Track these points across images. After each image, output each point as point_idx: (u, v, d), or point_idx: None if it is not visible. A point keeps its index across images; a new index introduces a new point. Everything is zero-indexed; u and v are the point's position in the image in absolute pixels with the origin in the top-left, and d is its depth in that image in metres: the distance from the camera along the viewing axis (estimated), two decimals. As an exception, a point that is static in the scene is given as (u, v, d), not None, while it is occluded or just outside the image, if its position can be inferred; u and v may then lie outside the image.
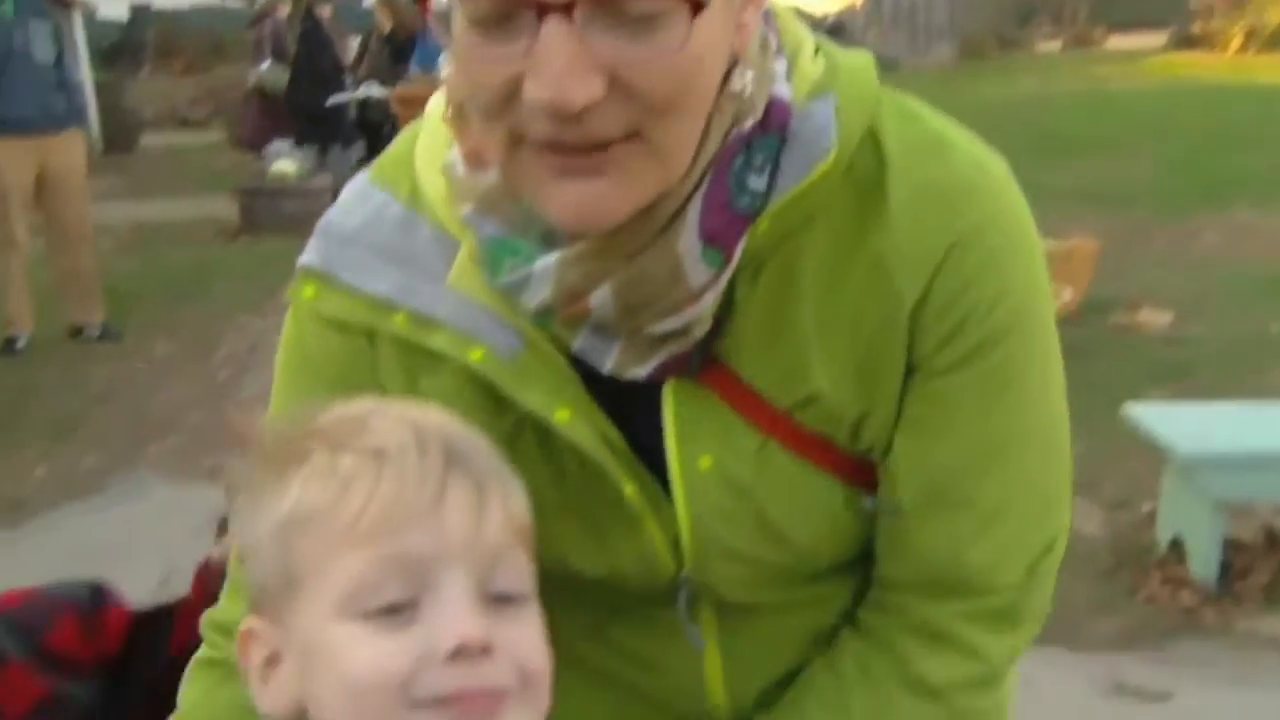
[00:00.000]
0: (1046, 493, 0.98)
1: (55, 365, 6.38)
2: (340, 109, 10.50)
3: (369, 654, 0.79)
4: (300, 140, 10.56)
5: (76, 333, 6.77)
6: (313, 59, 10.58)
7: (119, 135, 14.18)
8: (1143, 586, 3.69)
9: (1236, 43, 20.05)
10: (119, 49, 19.73)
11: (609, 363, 0.91)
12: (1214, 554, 3.60)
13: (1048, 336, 0.98)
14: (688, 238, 0.87)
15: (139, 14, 21.09)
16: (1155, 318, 6.39)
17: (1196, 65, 19.07)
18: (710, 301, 0.89)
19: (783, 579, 0.99)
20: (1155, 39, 23.38)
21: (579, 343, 0.92)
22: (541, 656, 0.83)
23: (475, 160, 0.92)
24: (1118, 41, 24.84)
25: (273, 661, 0.85)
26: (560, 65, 0.78)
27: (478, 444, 0.87)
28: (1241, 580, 3.62)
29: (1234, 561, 3.66)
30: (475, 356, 0.94)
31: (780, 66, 0.93)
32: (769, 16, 0.94)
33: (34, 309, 6.69)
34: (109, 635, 1.13)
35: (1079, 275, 6.48)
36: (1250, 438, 3.67)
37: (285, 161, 10.16)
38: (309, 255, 1.03)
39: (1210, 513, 3.57)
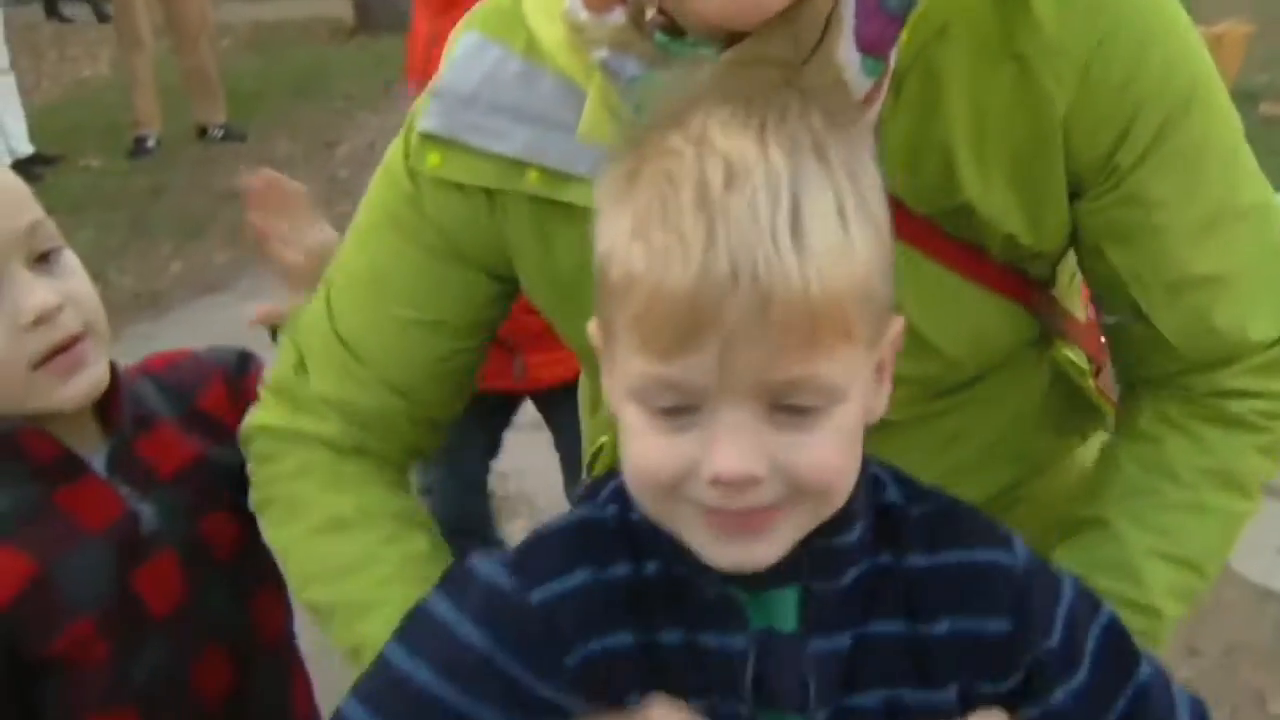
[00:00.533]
0: (1265, 239, 0.99)
1: (184, 165, 6.57)
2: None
3: (645, 447, 0.81)
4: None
5: (202, 132, 6.92)
6: None
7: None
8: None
9: None
10: None
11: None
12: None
13: (1219, 97, 0.97)
14: (846, 48, 0.87)
15: None
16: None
17: None
18: (875, 112, 0.90)
19: (924, 392, 1.02)
20: None
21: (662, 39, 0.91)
22: (826, 471, 0.80)
23: (597, 2, 0.92)
24: None
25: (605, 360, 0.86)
26: None
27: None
28: None
29: None
30: None
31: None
32: None
33: (161, 109, 6.83)
34: (254, 401, 1.16)
35: (1229, 62, 6.13)
36: None
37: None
38: (429, 120, 1.03)
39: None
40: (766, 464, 0.77)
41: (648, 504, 0.84)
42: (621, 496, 0.89)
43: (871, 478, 0.90)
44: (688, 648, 0.87)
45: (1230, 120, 0.98)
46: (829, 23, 0.87)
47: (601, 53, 0.92)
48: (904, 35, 0.89)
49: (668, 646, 0.87)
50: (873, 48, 0.87)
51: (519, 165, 1.00)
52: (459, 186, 1.03)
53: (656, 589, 0.88)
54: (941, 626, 0.87)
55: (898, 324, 0.85)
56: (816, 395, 0.77)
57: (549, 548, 0.91)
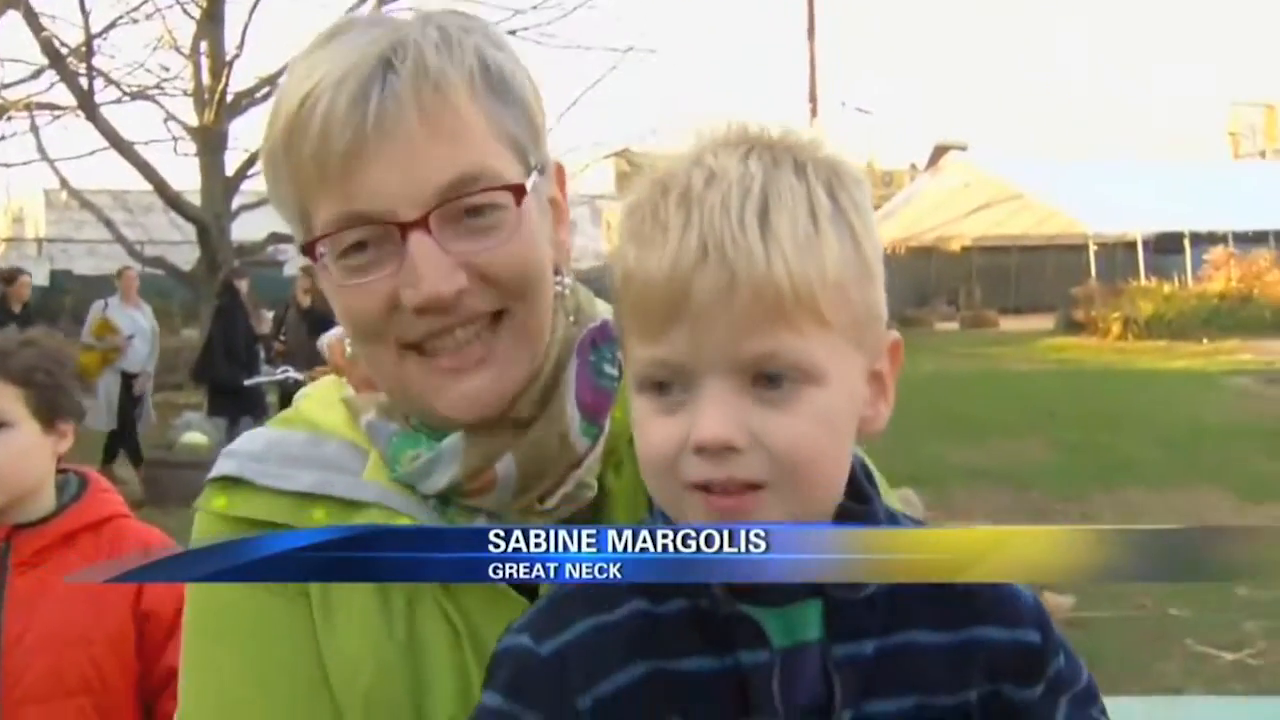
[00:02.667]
0: None
1: None
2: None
3: (648, 431, 0.90)
4: (212, 412, 10.45)
5: None
6: (227, 332, 10.40)
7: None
8: None
9: (1116, 329, 22.14)
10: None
11: None
12: None
13: None
14: (570, 407, 1.07)
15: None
16: (1057, 601, 6.37)
17: (1082, 349, 20.77)
18: (592, 464, 1.08)
19: None
20: (1044, 321, 25.45)
21: (483, 522, 1.06)
22: (801, 448, 0.87)
23: (367, 386, 1.12)
24: (1010, 323, 26.80)
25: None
26: (429, 268, 1.00)
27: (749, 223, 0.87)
28: None
29: None
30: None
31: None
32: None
33: None
34: None
35: None
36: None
37: (195, 433, 10.02)
38: (221, 467, 1.12)
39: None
40: (745, 434, 0.85)
41: (657, 492, 0.92)
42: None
43: (887, 509, 0.97)
44: (714, 673, 0.90)
45: None
46: (550, 391, 1.07)
47: (369, 417, 1.10)
48: (619, 413, 1.07)
49: (691, 674, 0.91)
50: (588, 410, 1.08)
51: (306, 500, 1.08)
52: (250, 525, 1.07)
53: (676, 621, 0.91)
54: (990, 633, 0.95)
55: (894, 337, 0.95)
56: (788, 369, 0.86)
57: (563, 601, 0.95)
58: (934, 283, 31.46)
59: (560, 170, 1.14)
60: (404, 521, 1.06)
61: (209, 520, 1.12)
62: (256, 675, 1.08)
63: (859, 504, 0.95)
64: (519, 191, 1.04)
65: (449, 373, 1.04)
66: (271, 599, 1.08)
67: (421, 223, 1.00)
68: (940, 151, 33.40)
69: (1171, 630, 6.08)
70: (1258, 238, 26.04)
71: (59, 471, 2.21)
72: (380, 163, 1.00)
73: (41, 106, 15.26)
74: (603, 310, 1.15)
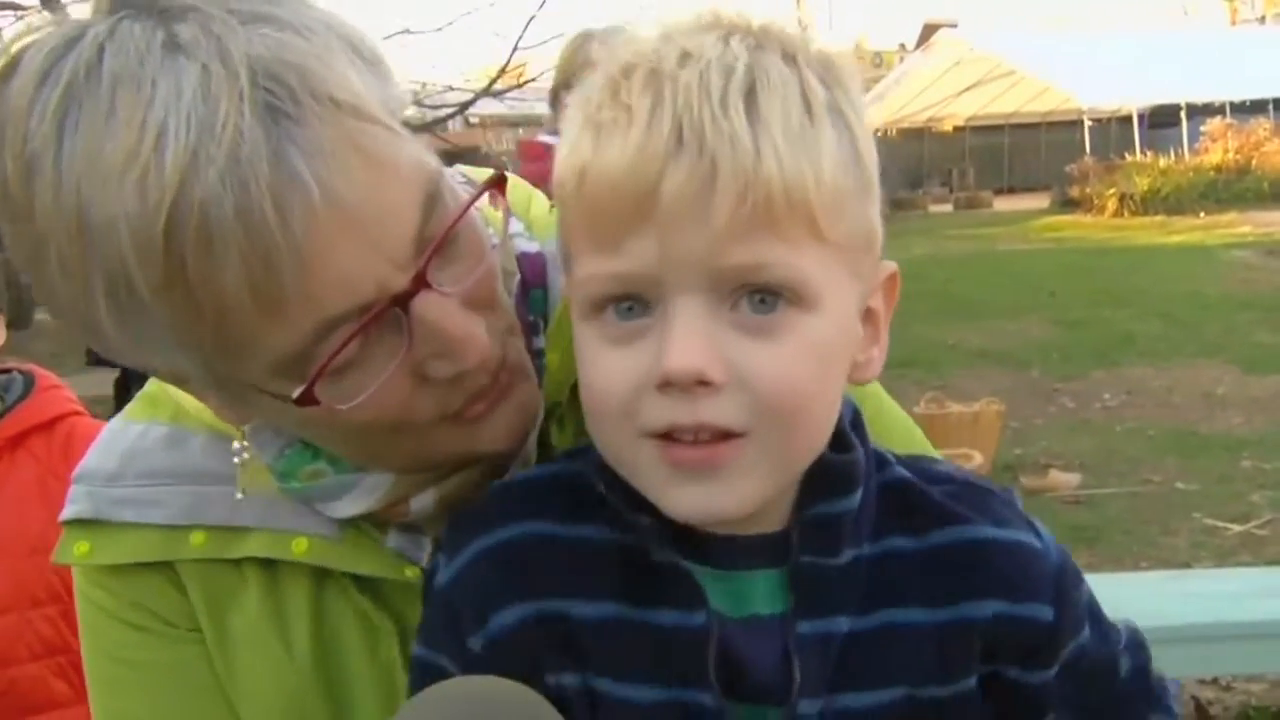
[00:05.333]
0: None
1: None
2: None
3: (598, 367, 0.75)
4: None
5: None
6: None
7: None
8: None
9: (1112, 206, 21.70)
10: None
11: (425, 557, 0.94)
12: (1145, 730, 3.61)
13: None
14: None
15: None
16: (1064, 479, 6.50)
17: (1078, 226, 20.54)
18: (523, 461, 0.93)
19: None
20: (1039, 201, 25.17)
21: (392, 540, 0.94)
22: (791, 386, 0.72)
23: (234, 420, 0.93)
24: (1004, 203, 26.50)
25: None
26: (460, 327, 0.82)
27: (728, 109, 0.71)
28: (1175, 756, 3.64)
29: None
30: (299, 549, 0.93)
31: (516, 225, 0.98)
32: (472, 183, 0.99)
33: None
34: None
35: (986, 439, 6.61)
36: (1172, 611, 3.73)
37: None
38: (71, 508, 0.97)
39: (1138, 689, 3.59)
40: (723, 367, 0.71)
41: (605, 440, 0.77)
42: (583, 455, 0.83)
43: (875, 453, 0.84)
44: (622, 624, 0.78)
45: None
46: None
47: (254, 421, 0.92)
48: (556, 358, 0.94)
49: (592, 622, 0.79)
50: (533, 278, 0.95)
51: (181, 531, 0.95)
52: (126, 572, 0.96)
53: (584, 552, 0.80)
54: (986, 609, 0.81)
55: (891, 268, 0.81)
56: (778, 285, 0.71)
57: (466, 516, 0.84)
58: (927, 164, 31.19)
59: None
60: (296, 544, 0.94)
61: (84, 581, 0.99)
62: None
63: (841, 453, 0.81)
64: (501, 186, 0.86)
65: (480, 418, 0.87)
66: (169, 645, 0.96)
67: (420, 281, 0.79)
68: (930, 29, 32.85)
69: (1179, 504, 6.06)
70: (1256, 107, 25.66)
71: (1, 371, 2.06)
72: (345, 245, 0.75)
73: None
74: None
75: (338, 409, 0.80)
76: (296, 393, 0.79)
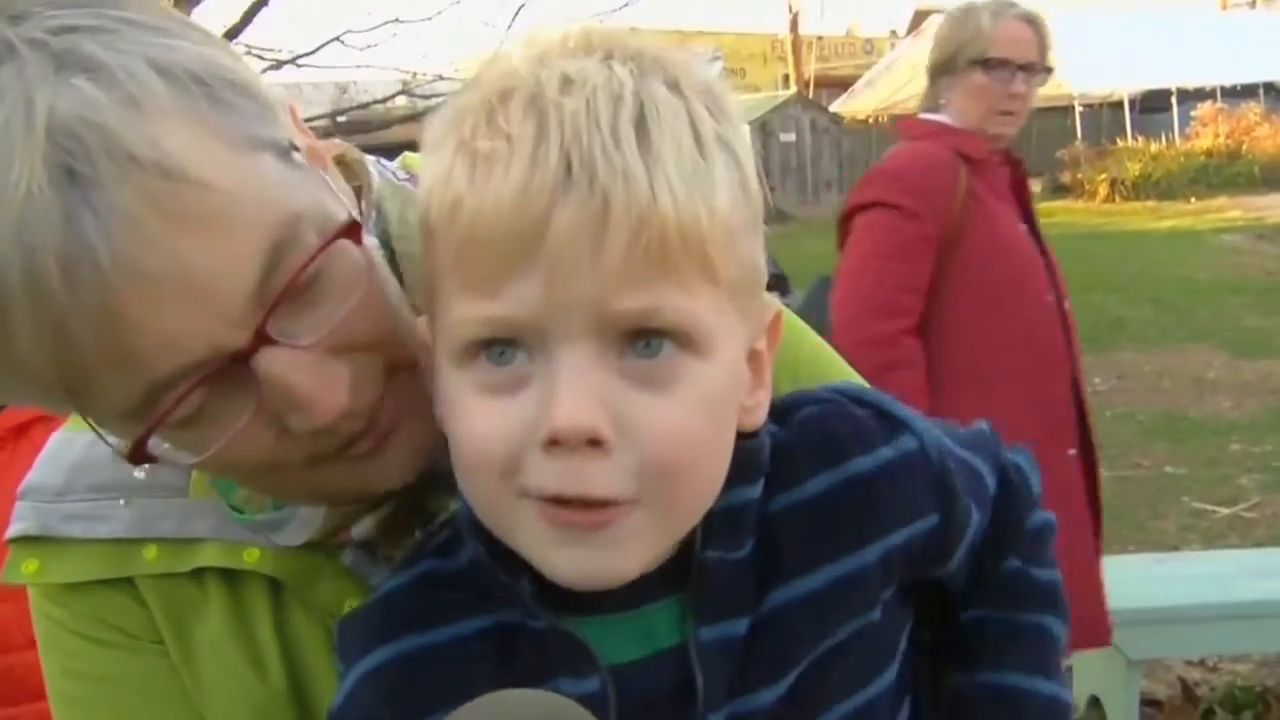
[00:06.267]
0: None
1: None
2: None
3: (473, 420, 0.68)
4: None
5: None
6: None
7: None
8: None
9: (1103, 191, 21.77)
10: None
11: (377, 579, 0.88)
12: (1133, 713, 3.64)
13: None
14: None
15: None
16: None
17: (1069, 211, 20.46)
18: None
19: None
20: (1031, 186, 24.33)
21: (349, 559, 0.90)
22: (683, 442, 0.67)
23: None
24: None
25: (434, 375, 0.74)
26: (312, 383, 0.75)
27: (626, 141, 0.65)
28: (1161, 739, 3.63)
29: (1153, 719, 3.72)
30: (251, 559, 0.90)
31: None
32: (417, 179, 0.91)
33: None
34: None
35: None
36: (1160, 593, 3.77)
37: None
38: (17, 525, 0.93)
39: (1126, 671, 3.62)
40: (613, 423, 0.65)
41: (480, 500, 0.71)
42: (452, 544, 0.78)
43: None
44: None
45: None
46: None
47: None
48: None
49: None
50: None
51: (132, 545, 0.91)
52: (81, 590, 0.92)
53: (467, 650, 0.76)
54: (872, 554, 0.77)
55: (776, 308, 0.76)
56: (671, 331, 0.66)
57: (348, 633, 0.80)
58: (918, 151, 30.99)
59: (292, 110, 0.84)
60: (249, 556, 0.90)
61: (41, 598, 0.95)
62: None
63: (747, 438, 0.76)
64: (354, 233, 0.76)
65: (366, 456, 0.81)
66: (133, 658, 0.93)
67: (261, 338, 0.73)
68: (921, 16, 32.71)
69: (1168, 488, 6.11)
70: (1247, 91, 25.68)
71: None
72: (156, 310, 0.69)
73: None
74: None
75: (183, 462, 0.78)
76: (126, 449, 0.75)
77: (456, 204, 0.66)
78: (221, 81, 0.74)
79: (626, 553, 0.69)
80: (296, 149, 0.79)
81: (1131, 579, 3.92)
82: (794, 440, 0.79)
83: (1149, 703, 3.79)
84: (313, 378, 0.75)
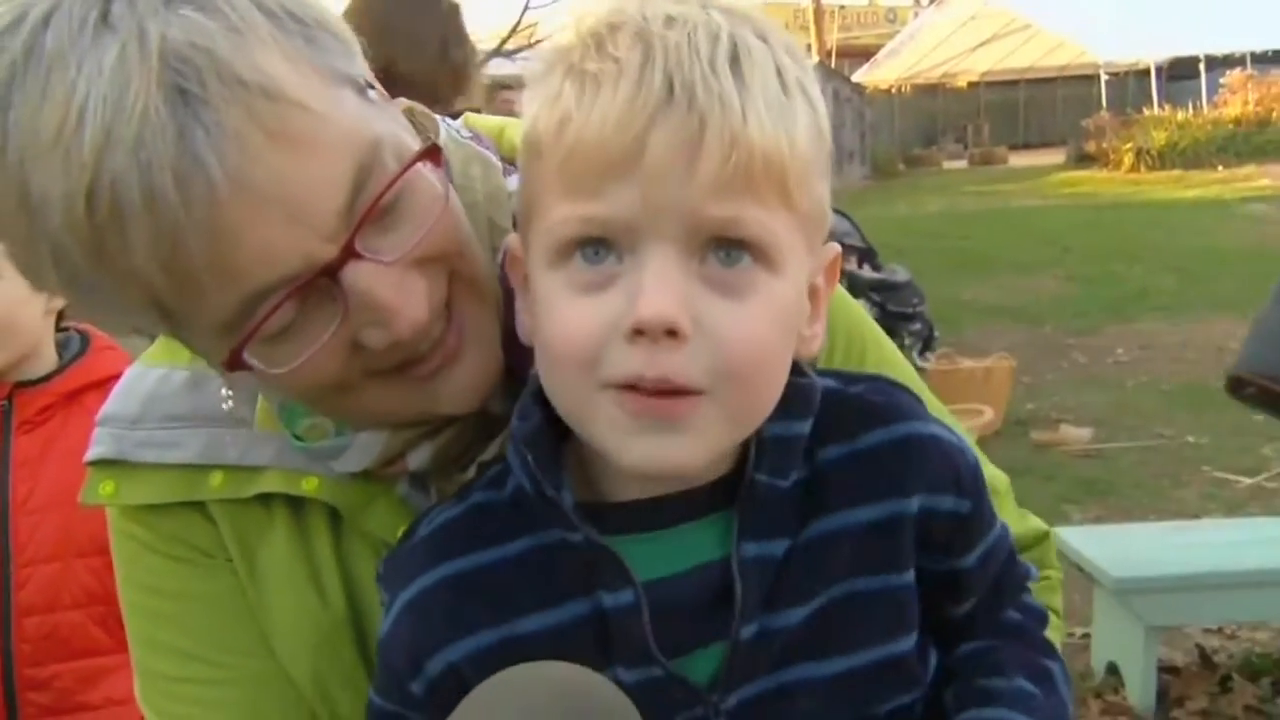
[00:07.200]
0: None
1: None
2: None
3: (564, 315, 0.75)
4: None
5: None
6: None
7: None
8: (1083, 717, 3.65)
9: (1128, 161, 21.61)
10: None
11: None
12: (1150, 680, 3.66)
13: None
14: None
15: None
16: (1075, 434, 6.51)
17: (1093, 181, 20.40)
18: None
19: None
20: (1054, 157, 24.85)
21: (404, 490, 0.97)
22: (755, 346, 0.75)
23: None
24: (1019, 159, 26.15)
25: (526, 285, 0.82)
26: (395, 296, 0.82)
27: (715, 65, 0.74)
28: (1179, 706, 3.65)
29: (1170, 686, 3.72)
30: (309, 486, 0.96)
31: (512, 182, 0.98)
32: (480, 137, 1.03)
33: None
34: None
35: (998, 394, 6.63)
36: (1178, 560, 3.78)
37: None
38: (96, 449, 1.00)
39: (1144, 638, 3.63)
40: (692, 319, 0.72)
41: (562, 391, 0.78)
42: (499, 480, 0.85)
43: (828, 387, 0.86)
44: (567, 627, 0.80)
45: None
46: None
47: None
48: None
49: (533, 635, 0.80)
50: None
51: (200, 471, 0.98)
52: (156, 511, 1.00)
53: (517, 570, 0.82)
54: (913, 504, 0.84)
55: (835, 250, 0.84)
56: (751, 242, 0.74)
57: (393, 566, 0.87)
58: (941, 121, 30.80)
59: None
60: (308, 483, 0.97)
61: (121, 518, 1.03)
62: (202, 651, 1.01)
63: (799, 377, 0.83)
64: (434, 156, 0.85)
65: (430, 377, 0.88)
66: (207, 576, 1.00)
67: (349, 252, 0.80)
68: (945, -17, 32.42)
69: (1190, 457, 6.10)
70: (1277, 58, 25.31)
71: (61, 329, 2.13)
72: (258, 224, 0.76)
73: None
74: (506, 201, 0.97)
75: (271, 373, 0.83)
76: (224, 357, 0.82)
77: (565, 119, 0.74)
78: (311, 18, 0.82)
79: (695, 442, 0.75)
80: (372, 86, 0.87)
81: (1150, 546, 3.95)
82: (854, 398, 0.87)
83: (1167, 670, 3.79)
84: (395, 290, 0.82)
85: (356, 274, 0.81)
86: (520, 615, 0.81)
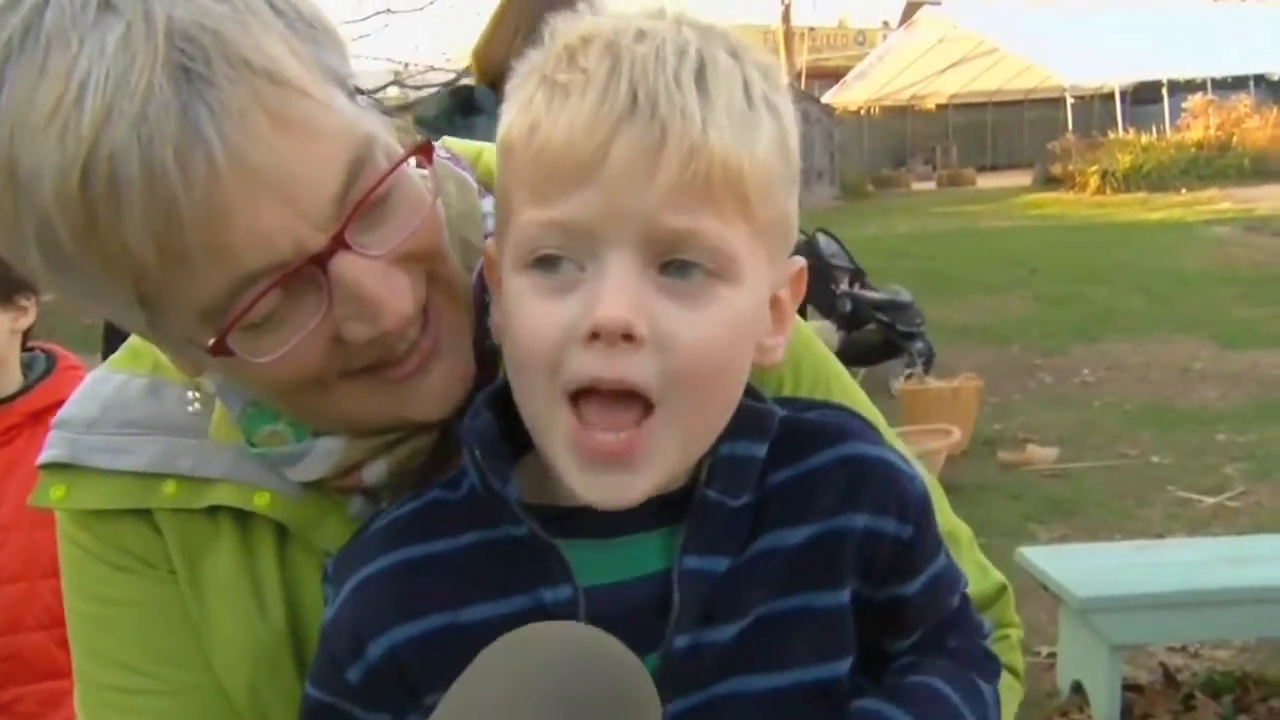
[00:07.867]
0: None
1: None
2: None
3: (527, 315, 0.77)
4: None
5: None
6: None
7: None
8: (1049, 737, 3.66)
9: (1094, 183, 21.93)
10: None
11: None
12: (1115, 698, 3.69)
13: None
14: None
15: None
16: (1041, 453, 6.57)
17: (1060, 203, 20.65)
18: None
19: None
20: (1021, 178, 25.26)
21: (356, 507, 0.97)
22: (707, 353, 0.76)
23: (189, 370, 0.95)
24: (986, 181, 26.55)
25: (500, 287, 0.84)
26: (382, 289, 0.83)
27: (682, 80, 0.76)
28: (1142, 724, 3.66)
29: (1134, 705, 3.75)
30: (261, 502, 0.96)
31: (488, 204, 0.99)
32: (457, 158, 1.04)
33: None
34: None
35: (965, 414, 6.69)
36: (1142, 579, 3.82)
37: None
38: (49, 452, 1.00)
39: (1108, 656, 3.66)
40: (648, 324, 0.74)
41: (528, 398, 0.80)
42: (456, 481, 0.86)
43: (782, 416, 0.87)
44: (509, 619, 0.79)
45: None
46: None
47: (218, 377, 0.94)
48: None
49: (479, 623, 0.80)
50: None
51: (153, 480, 0.97)
52: (105, 517, 0.99)
53: (464, 560, 0.83)
54: (858, 521, 0.84)
55: (800, 264, 0.86)
56: (706, 256, 0.75)
57: (345, 555, 0.87)
58: (910, 142, 31.14)
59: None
60: (259, 498, 0.96)
61: (68, 523, 1.02)
62: (138, 661, 1.00)
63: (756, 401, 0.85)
64: (427, 151, 0.87)
65: (406, 380, 0.89)
66: (150, 585, 1.00)
67: (339, 242, 0.81)
68: (913, 7, 32.79)
69: (1154, 477, 6.16)
70: (1237, 83, 25.75)
71: (26, 349, 2.12)
72: (255, 205, 0.77)
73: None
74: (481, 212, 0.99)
75: (253, 362, 0.83)
76: (209, 342, 0.82)
77: (534, 125, 0.77)
78: (311, 15, 0.84)
79: (645, 478, 0.78)
80: (360, 92, 0.89)
81: (1115, 566, 3.99)
82: (805, 423, 0.88)
83: (1131, 688, 3.83)
84: (381, 283, 0.83)
85: (344, 265, 0.82)
86: (465, 605, 0.82)
